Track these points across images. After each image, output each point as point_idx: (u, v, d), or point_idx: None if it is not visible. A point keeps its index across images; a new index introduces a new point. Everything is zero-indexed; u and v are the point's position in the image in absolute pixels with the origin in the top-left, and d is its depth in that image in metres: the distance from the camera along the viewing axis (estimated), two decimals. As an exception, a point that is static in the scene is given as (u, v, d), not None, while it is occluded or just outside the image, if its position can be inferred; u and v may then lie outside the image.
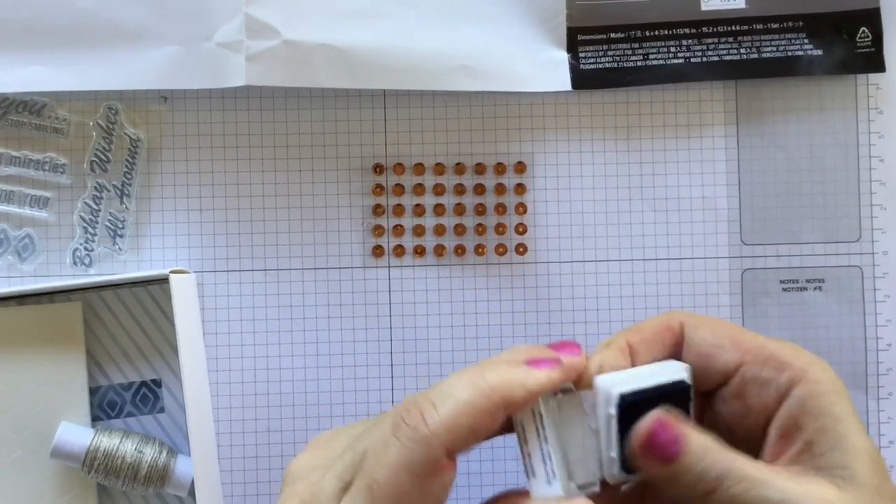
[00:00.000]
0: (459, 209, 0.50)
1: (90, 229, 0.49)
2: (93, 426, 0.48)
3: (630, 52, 0.49)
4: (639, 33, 0.49)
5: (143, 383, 0.49)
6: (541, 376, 0.32)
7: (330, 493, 0.31)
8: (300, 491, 0.32)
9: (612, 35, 0.49)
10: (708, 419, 0.36)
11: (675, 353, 0.36)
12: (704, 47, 0.49)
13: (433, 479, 0.30)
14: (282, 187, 0.50)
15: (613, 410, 0.33)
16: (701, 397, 0.36)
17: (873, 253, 0.50)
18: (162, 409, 0.49)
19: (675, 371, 0.34)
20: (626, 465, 0.33)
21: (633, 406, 0.33)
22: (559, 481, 0.32)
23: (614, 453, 0.33)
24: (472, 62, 0.48)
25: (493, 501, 0.33)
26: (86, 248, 0.49)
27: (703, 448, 0.32)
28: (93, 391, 0.49)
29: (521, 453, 0.33)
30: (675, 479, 0.32)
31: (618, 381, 0.33)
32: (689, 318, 0.36)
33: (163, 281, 0.48)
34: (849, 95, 0.50)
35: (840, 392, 0.33)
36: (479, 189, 0.50)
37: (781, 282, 0.50)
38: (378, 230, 0.50)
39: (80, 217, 0.49)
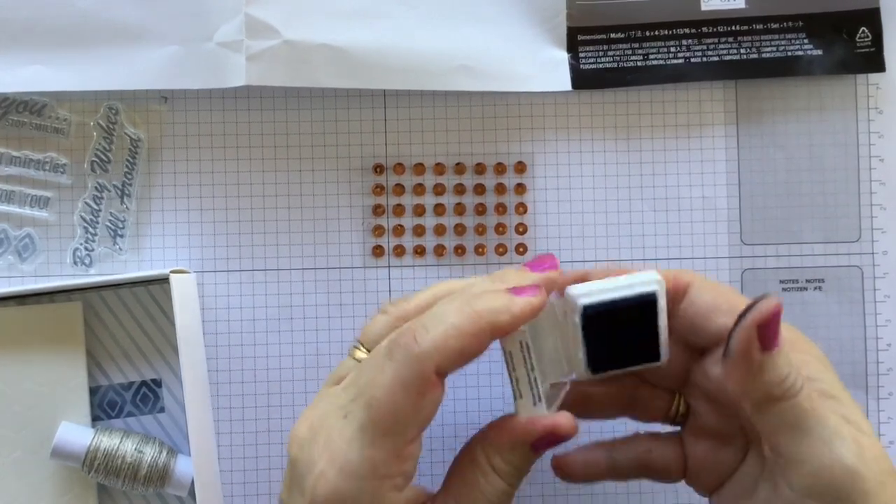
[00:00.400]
0: (459, 209, 0.50)
1: (90, 229, 0.49)
2: (93, 426, 0.48)
3: (630, 52, 0.49)
4: (639, 33, 0.49)
5: (143, 383, 0.49)
6: (523, 303, 0.35)
7: (335, 415, 0.35)
8: (309, 415, 0.36)
9: (612, 35, 0.49)
10: (699, 378, 0.39)
11: (671, 306, 0.38)
12: (704, 47, 0.49)
13: (424, 396, 0.33)
14: (282, 187, 0.50)
15: (578, 319, 0.36)
16: (694, 356, 0.39)
17: (873, 253, 0.50)
18: (162, 409, 0.49)
19: (645, 283, 0.36)
20: (594, 365, 0.37)
21: (597, 315, 0.36)
22: (544, 403, 0.36)
23: (581, 355, 0.36)
24: (472, 62, 0.48)
25: (487, 428, 0.37)
26: (86, 248, 0.49)
27: (786, 351, 0.34)
28: (93, 391, 0.49)
29: (510, 377, 0.36)
30: (758, 373, 0.34)
31: (586, 292, 0.36)
32: (697, 280, 0.38)
33: (163, 281, 0.48)
34: (848, 95, 0.51)
35: (826, 363, 0.37)
36: (479, 189, 0.50)
37: (781, 282, 0.50)
38: (378, 230, 0.50)
39: (81, 217, 0.49)
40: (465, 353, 0.34)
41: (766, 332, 0.33)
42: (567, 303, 0.37)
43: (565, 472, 0.42)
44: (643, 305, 0.36)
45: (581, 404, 0.40)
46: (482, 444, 0.36)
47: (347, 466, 0.34)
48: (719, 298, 0.37)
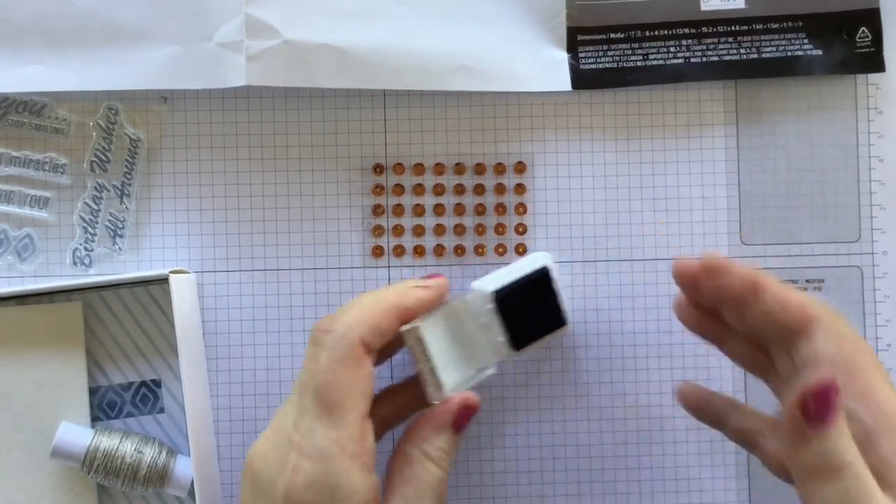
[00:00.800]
0: (459, 209, 0.50)
1: (90, 229, 0.49)
2: (93, 426, 0.48)
3: (630, 52, 0.49)
4: (639, 33, 0.49)
5: (143, 383, 0.49)
6: (422, 292, 0.41)
7: (289, 419, 0.38)
8: (264, 434, 0.39)
9: (612, 35, 0.49)
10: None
11: (794, 338, 0.37)
12: (704, 47, 0.49)
13: (360, 367, 0.38)
14: (282, 187, 0.50)
15: (491, 305, 0.43)
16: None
17: (873, 253, 0.50)
18: (162, 409, 0.49)
19: (537, 261, 0.45)
20: (515, 342, 0.44)
21: (506, 297, 0.43)
22: (444, 387, 0.41)
23: (502, 338, 0.44)
24: (472, 62, 0.48)
25: (410, 426, 0.40)
26: (86, 248, 0.49)
27: (843, 430, 0.33)
28: (93, 391, 0.49)
29: (417, 370, 0.42)
30: (802, 447, 0.33)
31: (489, 282, 0.44)
32: (826, 321, 0.36)
33: (163, 281, 0.48)
34: (848, 95, 0.51)
35: None
36: (479, 189, 0.50)
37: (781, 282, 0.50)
38: (378, 230, 0.50)
39: (80, 217, 0.49)
40: (380, 327, 0.38)
41: (814, 407, 0.32)
42: (478, 297, 0.44)
43: (680, 393, 0.45)
44: (540, 280, 0.44)
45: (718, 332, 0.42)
46: (411, 439, 0.40)
47: (317, 453, 0.36)
48: (840, 355, 0.35)
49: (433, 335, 0.42)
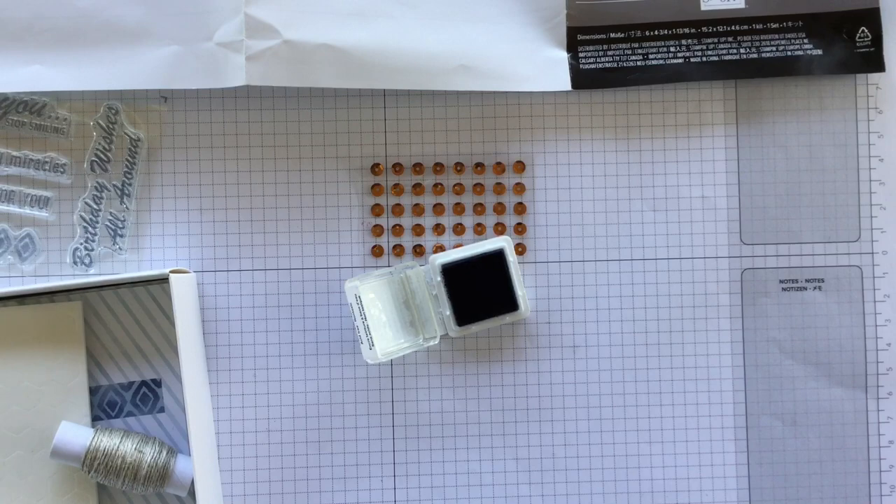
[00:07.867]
0: (458, 209, 0.50)
1: (90, 229, 0.49)
2: (93, 426, 0.48)
3: (630, 52, 0.49)
4: (639, 33, 0.49)
5: (143, 383, 0.49)
6: None
7: None
8: None
9: (612, 35, 0.49)
10: None
11: None
12: (704, 47, 0.49)
13: None
14: (282, 187, 0.50)
15: (439, 277, 0.47)
16: None
17: (873, 253, 0.50)
18: (162, 409, 0.49)
19: (495, 243, 0.47)
20: (459, 318, 0.47)
21: (453, 270, 0.46)
22: (375, 347, 0.45)
23: (448, 312, 0.47)
24: (472, 62, 0.48)
25: None
26: (86, 248, 0.49)
27: None
28: (93, 391, 0.49)
29: (355, 328, 0.46)
30: None
31: (444, 256, 0.47)
32: None
33: (163, 281, 0.48)
34: (848, 95, 0.50)
35: None
36: (479, 189, 0.50)
37: (781, 281, 0.50)
38: (377, 230, 0.50)
39: (81, 217, 0.49)
40: None
41: None
42: (430, 268, 0.47)
43: None
44: (493, 259, 0.46)
45: None
46: None
47: None
48: None
49: (374, 298, 0.45)
